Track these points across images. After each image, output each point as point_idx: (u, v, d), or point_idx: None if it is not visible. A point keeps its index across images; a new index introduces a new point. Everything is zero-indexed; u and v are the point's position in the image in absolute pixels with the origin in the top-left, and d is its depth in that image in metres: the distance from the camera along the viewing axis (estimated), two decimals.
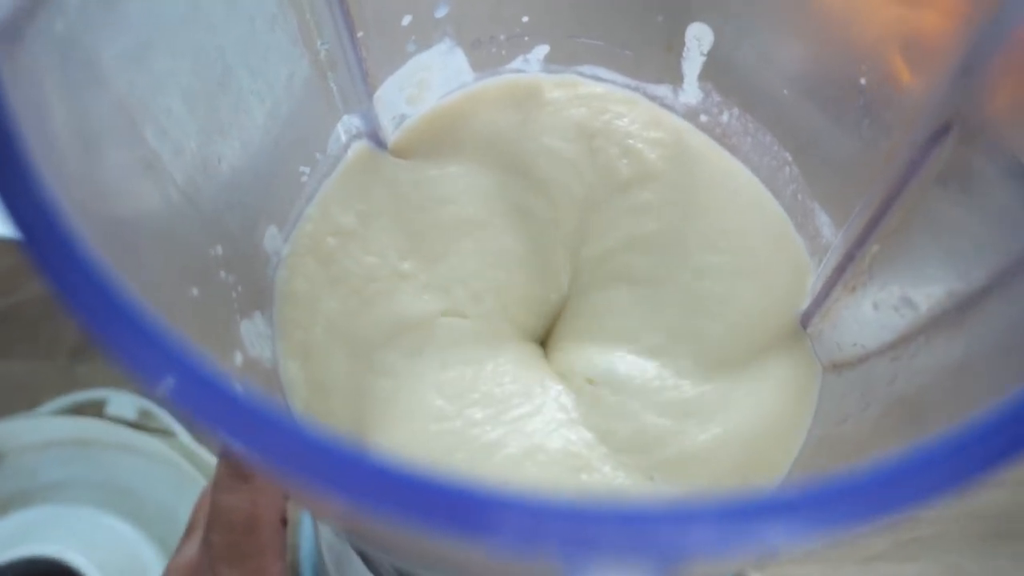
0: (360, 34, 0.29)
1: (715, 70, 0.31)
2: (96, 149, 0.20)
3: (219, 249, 0.25)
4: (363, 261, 0.30)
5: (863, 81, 0.27)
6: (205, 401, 0.14)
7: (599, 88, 0.32)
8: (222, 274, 0.26)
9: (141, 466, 0.54)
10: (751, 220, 0.31)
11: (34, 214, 0.15)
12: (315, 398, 0.29)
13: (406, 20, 0.30)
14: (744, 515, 0.13)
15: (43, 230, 0.14)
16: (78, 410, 0.57)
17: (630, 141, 0.32)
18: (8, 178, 0.15)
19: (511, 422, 0.29)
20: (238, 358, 0.26)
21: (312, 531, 0.48)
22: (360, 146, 0.31)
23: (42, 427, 0.56)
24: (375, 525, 0.16)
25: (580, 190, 0.32)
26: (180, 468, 0.54)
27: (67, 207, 0.15)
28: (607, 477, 0.28)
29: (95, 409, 0.57)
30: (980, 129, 0.22)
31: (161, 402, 0.14)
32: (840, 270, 0.28)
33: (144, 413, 0.56)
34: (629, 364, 0.30)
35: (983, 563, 0.42)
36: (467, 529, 0.13)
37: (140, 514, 0.54)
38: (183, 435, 0.55)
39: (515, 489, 0.13)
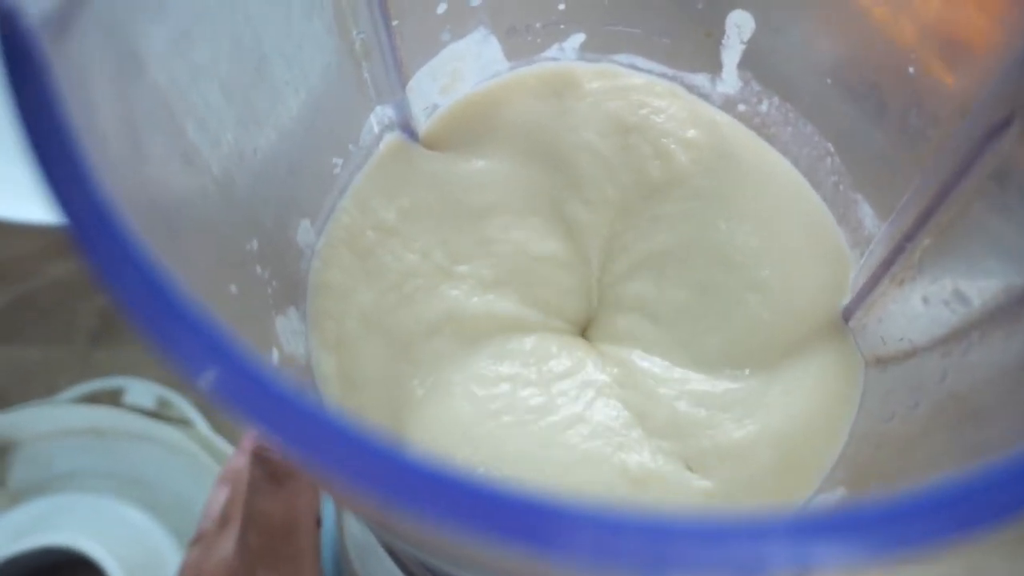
0: (395, 23, 0.28)
1: (755, 59, 0.30)
2: (140, 142, 0.19)
3: (255, 244, 0.25)
4: (404, 258, 0.30)
5: (911, 70, 0.26)
6: (248, 394, 0.13)
7: (638, 79, 0.32)
8: (258, 269, 0.25)
9: (158, 455, 0.54)
10: (789, 216, 0.31)
11: (85, 204, 0.14)
12: (347, 391, 0.29)
13: (441, 8, 0.30)
14: (822, 532, 0.12)
15: (94, 220, 0.14)
16: (95, 398, 0.57)
17: (664, 140, 0.31)
18: (60, 169, 0.14)
19: (556, 395, 0.29)
20: (275, 355, 0.25)
21: (334, 523, 0.47)
22: (393, 139, 0.31)
23: (58, 415, 0.55)
24: (423, 531, 0.16)
25: (613, 193, 0.31)
26: (197, 458, 0.53)
27: (115, 198, 0.15)
28: (645, 460, 0.28)
29: (112, 397, 0.56)
30: None
31: (203, 394, 0.14)
32: (887, 264, 0.27)
33: (162, 402, 0.56)
34: (659, 361, 0.30)
35: (1009, 564, 0.42)
36: (538, 545, 0.12)
37: (156, 504, 0.54)
38: (200, 425, 0.55)
39: (586, 503, 0.12)
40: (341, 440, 0.13)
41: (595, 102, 0.31)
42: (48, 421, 0.55)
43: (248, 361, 0.13)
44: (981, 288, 0.24)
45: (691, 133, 0.31)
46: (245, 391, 0.13)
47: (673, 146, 0.31)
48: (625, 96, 0.32)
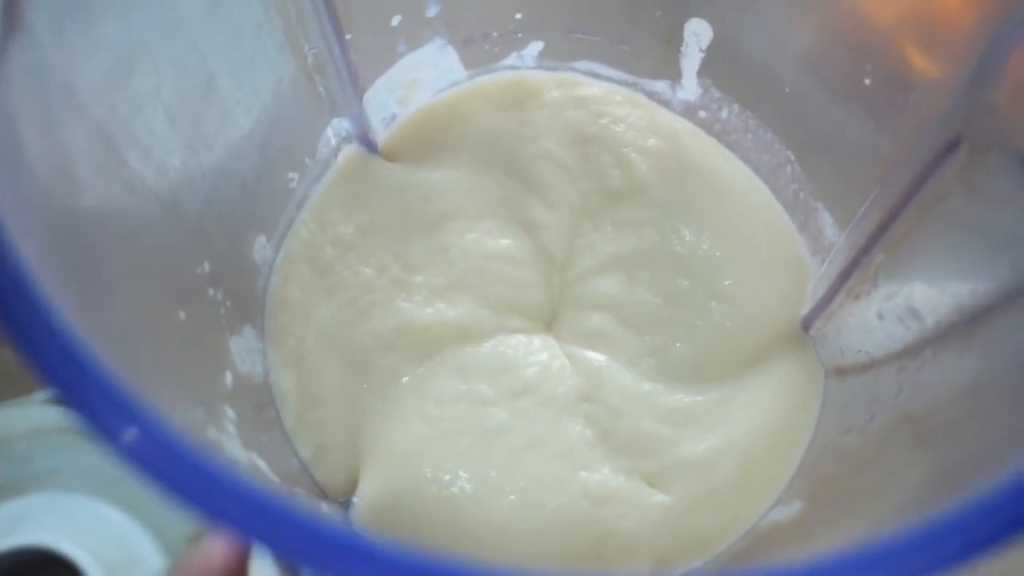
0: (349, 36, 0.28)
1: (714, 66, 0.30)
2: (75, 177, 0.19)
3: (206, 266, 0.25)
4: (361, 273, 0.30)
5: (867, 81, 0.26)
6: (160, 463, 0.13)
7: (598, 89, 0.32)
8: (210, 291, 0.25)
9: None
10: (751, 225, 0.30)
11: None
12: (306, 407, 0.29)
13: (396, 20, 0.29)
14: None
15: (7, 287, 0.14)
16: None
17: (624, 150, 0.31)
18: None
19: (516, 413, 0.28)
20: (228, 378, 0.25)
21: None
22: (351, 151, 0.31)
23: (35, 415, 0.55)
24: None
25: (575, 197, 0.31)
26: None
27: (39, 249, 0.14)
28: (606, 478, 0.28)
29: None
30: (990, 144, 0.21)
31: (121, 459, 0.14)
32: (844, 276, 0.27)
33: None
34: (625, 371, 0.29)
35: (1002, 562, 0.42)
36: None
37: (134, 502, 0.54)
38: None
39: None
40: (248, 505, 0.13)
41: (555, 112, 0.31)
42: (25, 420, 0.55)
43: (162, 429, 0.13)
44: (934, 306, 0.24)
45: (651, 142, 0.31)
46: (158, 459, 0.13)
47: (633, 155, 0.31)
48: (585, 105, 0.31)
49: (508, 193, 0.31)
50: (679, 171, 0.31)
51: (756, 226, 0.30)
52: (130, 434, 0.13)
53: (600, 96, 0.32)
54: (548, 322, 0.31)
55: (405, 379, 0.29)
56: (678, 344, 0.30)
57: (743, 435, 0.28)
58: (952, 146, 0.22)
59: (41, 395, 0.57)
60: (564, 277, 0.31)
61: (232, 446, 0.22)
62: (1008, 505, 0.13)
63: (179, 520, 0.42)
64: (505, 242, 0.31)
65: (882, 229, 0.25)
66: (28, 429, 0.55)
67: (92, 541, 0.51)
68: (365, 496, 0.27)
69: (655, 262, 0.30)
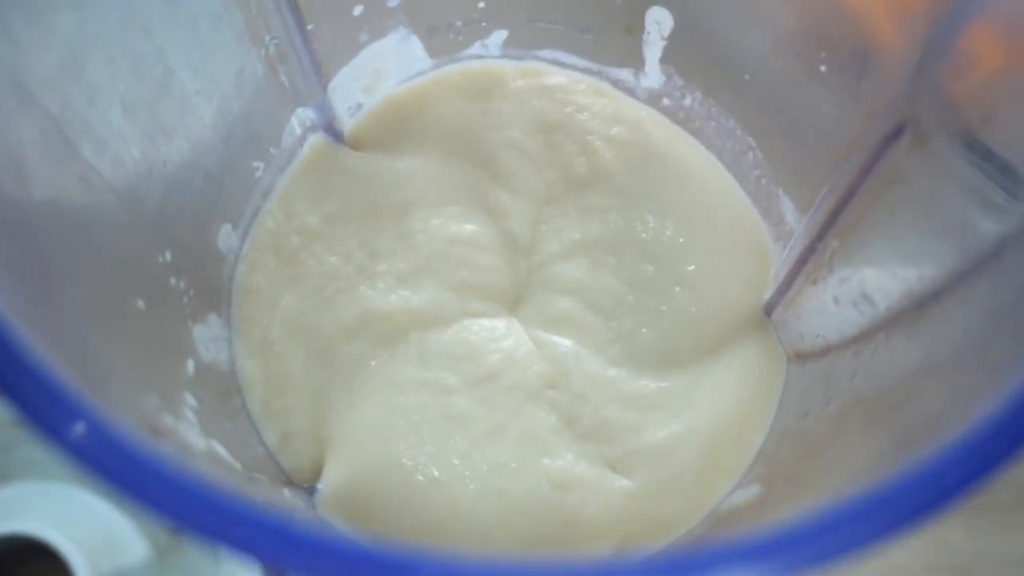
0: (310, 26, 0.28)
1: (676, 54, 0.31)
2: (25, 171, 0.19)
3: (168, 255, 0.25)
4: (326, 261, 0.30)
5: (823, 68, 0.26)
6: (108, 460, 0.13)
7: (563, 78, 0.32)
8: (172, 280, 0.25)
9: None
10: (713, 212, 0.31)
11: None
12: (272, 395, 0.29)
13: (357, 10, 0.29)
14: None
15: None
16: None
17: (589, 138, 0.31)
18: None
19: (479, 400, 0.29)
20: (190, 366, 0.25)
21: None
22: (317, 140, 0.31)
23: None
24: None
25: (540, 185, 0.31)
26: None
27: None
28: (569, 464, 0.28)
29: None
30: (936, 127, 0.21)
31: (70, 457, 0.14)
32: (802, 261, 0.28)
33: None
34: (591, 357, 0.30)
35: (967, 533, 0.42)
36: None
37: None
38: None
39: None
40: (193, 499, 0.13)
41: (520, 100, 0.31)
42: (7, 410, 0.55)
43: (107, 425, 0.14)
44: (885, 291, 0.24)
45: (615, 130, 0.31)
46: (103, 457, 0.14)
47: (598, 143, 0.31)
48: (549, 94, 0.32)
49: (473, 181, 0.31)
50: (643, 159, 0.31)
51: (718, 213, 0.31)
52: (78, 430, 0.14)
53: (565, 85, 0.32)
54: (513, 307, 0.31)
55: (371, 365, 0.29)
56: (644, 329, 0.30)
57: (706, 421, 0.29)
58: (900, 131, 0.22)
59: None
60: (529, 263, 0.31)
61: (191, 433, 0.22)
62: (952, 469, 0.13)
63: None
64: (469, 227, 0.31)
65: (835, 215, 0.26)
66: (9, 418, 0.55)
67: (75, 529, 0.52)
68: (330, 482, 0.28)
69: (620, 248, 0.31)
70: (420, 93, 0.32)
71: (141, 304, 0.23)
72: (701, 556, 0.12)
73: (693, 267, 0.30)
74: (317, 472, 0.28)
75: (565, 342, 0.30)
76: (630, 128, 0.31)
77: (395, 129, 0.32)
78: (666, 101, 0.32)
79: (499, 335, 0.30)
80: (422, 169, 0.31)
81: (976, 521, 0.42)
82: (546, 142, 0.31)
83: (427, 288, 0.30)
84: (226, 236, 0.29)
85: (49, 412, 0.14)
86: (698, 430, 0.28)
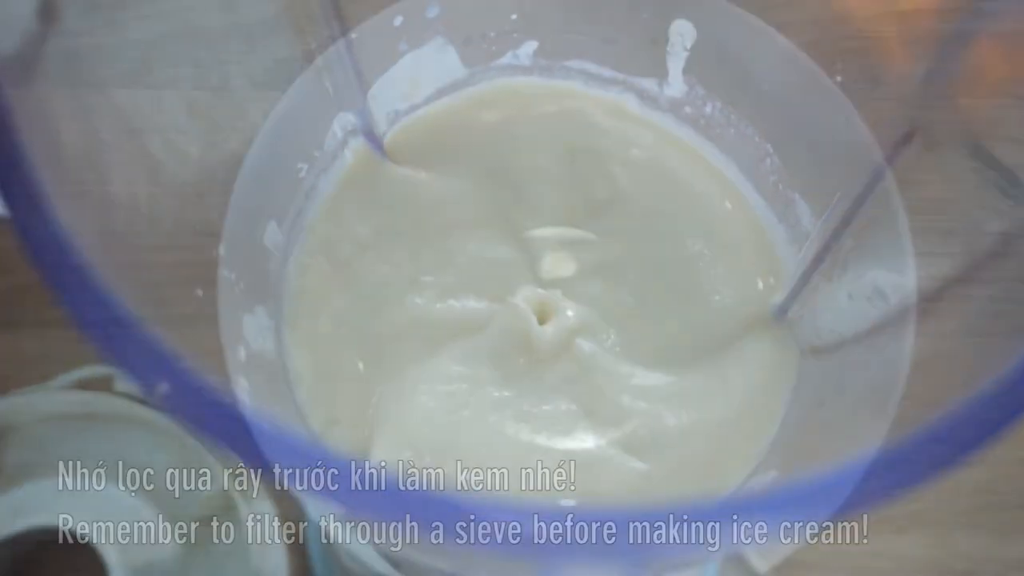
0: (354, 35, 0.30)
1: (698, 65, 0.32)
2: (102, 164, 0.21)
3: (221, 249, 0.27)
4: (378, 270, 0.32)
5: (839, 79, 0.28)
6: (194, 407, 0.15)
7: (588, 101, 0.34)
8: (225, 272, 0.27)
9: (147, 439, 0.55)
10: (726, 225, 0.33)
11: (45, 238, 0.16)
12: (319, 386, 0.31)
13: (398, 21, 0.31)
14: (707, 515, 0.14)
15: (53, 252, 0.16)
16: (87, 384, 0.58)
17: (609, 163, 0.33)
18: (22, 206, 0.16)
19: (511, 392, 0.31)
20: (242, 352, 0.27)
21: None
22: (359, 147, 0.33)
23: (51, 400, 0.56)
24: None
25: (562, 211, 0.33)
26: (183, 441, 0.55)
27: (75, 224, 0.16)
28: (589, 446, 0.30)
29: (104, 383, 0.58)
30: (944, 134, 0.23)
31: (158, 405, 0.16)
32: (818, 260, 0.29)
33: None
34: (609, 358, 0.31)
35: (968, 532, 0.44)
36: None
37: (146, 485, 0.56)
38: None
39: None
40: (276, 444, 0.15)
41: (547, 126, 0.34)
42: (41, 406, 0.56)
43: (193, 377, 0.15)
44: (896, 286, 0.26)
45: (633, 153, 0.33)
46: (191, 404, 0.15)
47: (616, 168, 0.33)
48: (573, 118, 0.34)
49: (502, 203, 0.34)
50: (657, 181, 0.33)
51: (732, 226, 0.33)
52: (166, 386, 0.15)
53: (589, 108, 0.34)
54: (541, 319, 0.33)
55: (417, 361, 0.31)
56: (660, 338, 0.32)
57: (718, 415, 0.30)
58: (910, 137, 0.23)
59: (58, 381, 0.59)
60: (552, 283, 0.33)
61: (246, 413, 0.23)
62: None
63: (191, 503, 0.44)
64: (501, 249, 0.33)
65: (850, 217, 0.27)
66: (44, 414, 0.56)
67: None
68: (377, 462, 0.30)
69: (637, 267, 0.33)
70: (454, 112, 0.34)
71: (200, 292, 0.25)
72: (749, 500, 0.14)
73: (709, 279, 0.32)
74: (358, 456, 0.30)
75: (586, 344, 0.32)
76: (646, 151, 0.34)
77: (431, 147, 0.34)
78: (688, 109, 0.33)
79: (529, 340, 0.32)
80: (457, 189, 0.34)
81: (980, 523, 0.43)
82: (570, 167, 0.34)
83: (469, 300, 0.32)
84: (272, 233, 0.30)
85: (144, 373, 0.15)
86: (712, 420, 0.30)
